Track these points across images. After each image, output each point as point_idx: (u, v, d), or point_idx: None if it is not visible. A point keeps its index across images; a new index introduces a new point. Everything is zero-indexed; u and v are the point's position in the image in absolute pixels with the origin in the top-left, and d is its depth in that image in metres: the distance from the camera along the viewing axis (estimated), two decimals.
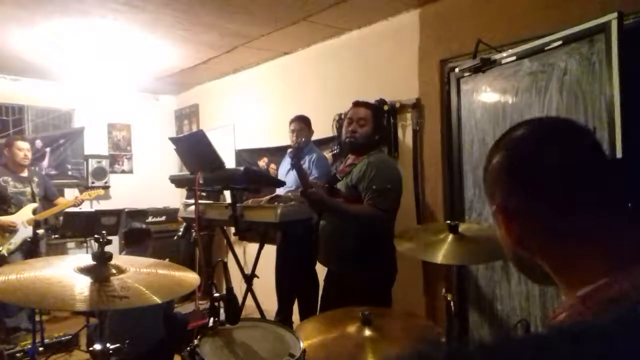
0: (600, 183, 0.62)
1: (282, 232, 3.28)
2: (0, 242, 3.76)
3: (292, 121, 3.58)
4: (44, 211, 4.05)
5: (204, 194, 3.13)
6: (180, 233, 3.15)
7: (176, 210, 4.97)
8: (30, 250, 3.74)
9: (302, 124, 3.53)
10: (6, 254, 3.74)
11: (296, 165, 2.44)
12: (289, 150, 3.56)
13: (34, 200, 3.99)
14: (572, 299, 0.64)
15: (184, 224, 3.17)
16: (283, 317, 3.33)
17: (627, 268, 0.58)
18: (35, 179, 4.10)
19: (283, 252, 3.47)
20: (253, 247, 3.67)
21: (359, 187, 2.32)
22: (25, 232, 3.84)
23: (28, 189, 4.00)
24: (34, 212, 3.94)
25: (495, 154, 0.68)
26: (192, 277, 1.44)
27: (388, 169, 2.38)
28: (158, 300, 1.23)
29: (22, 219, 3.87)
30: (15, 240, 3.82)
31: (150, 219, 5.26)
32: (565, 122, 0.71)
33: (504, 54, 2.38)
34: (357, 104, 2.52)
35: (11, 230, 3.80)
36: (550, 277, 0.68)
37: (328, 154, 3.60)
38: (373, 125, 2.44)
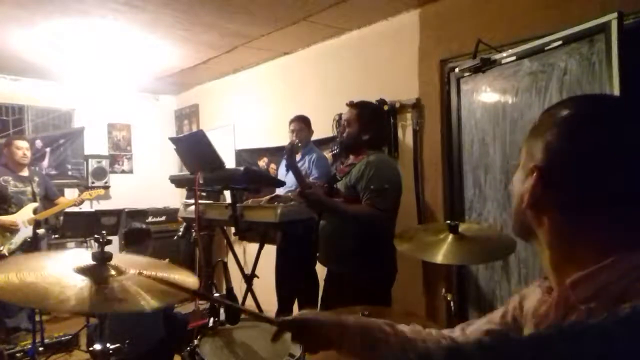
0: (622, 180, 0.64)
1: (282, 232, 3.27)
2: (1, 241, 3.77)
3: (291, 121, 3.58)
4: (45, 211, 4.05)
5: (204, 194, 3.13)
6: (180, 233, 3.15)
7: (176, 210, 4.96)
8: (31, 249, 3.74)
9: (302, 124, 3.53)
10: (7, 254, 3.74)
11: (291, 166, 2.43)
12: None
13: (34, 200, 4.00)
14: (558, 286, 0.67)
15: (184, 224, 3.17)
16: None
17: (620, 254, 0.60)
18: (36, 179, 4.10)
19: (283, 252, 3.47)
20: (253, 247, 3.67)
21: (358, 187, 2.31)
22: (26, 232, 3.84)
23: (29, 189, 4.00)
24: (35, 211, 3.95)
25: (547, 126, 0.70)
26: (190, 281, 1.43)
27: (387, 169, 2.37)
28: (156, 305, 1.23)
29: (23, 218, 3.87)
30: (16, 240, 3.83)
31: (150, 219, 5.26)
32: (618, 108, 0.71)
33: (504, 54, 2.38)
34: (349, 104, 2.54)
35: (12, 230, 3.80)
36: (531, 240, 0.73)
37: (328, 154, 3.60)
38: (358, 125, 2.42)
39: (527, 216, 0.71)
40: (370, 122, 2.44)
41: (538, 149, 0.69)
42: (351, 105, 2.52)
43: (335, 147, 2.72)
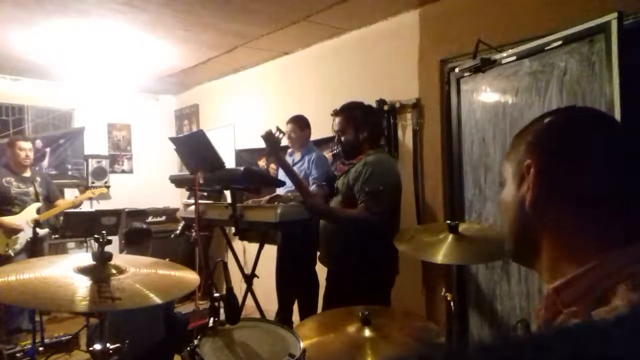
0: (618, 183, 0.66)
1: (282, 232, 3.27)
2: (7, 242, 3.77)
3: (287, 122, 3.56)
4: (47, 211, 4.06)
5: (204, 194, 3.13)
6: (177, 231, 3.14)
7: (176, 210, 4.96)
8: (34, 250, 3.74)
9: (293, 124, 3.48)
10: (12, 254, 3.75)
11: (289, 175, 2.43)
12: (289, 150, 3.56)
13: (37, 200, 4.00)
14: (548, 289, 0.68)
15: (182, 222, 3.16)
16: (283, 317, 3.33)
17: (606, 253, 0.62)
18: (38, 179, 4.10)
19: (283, 252, 3.47)
20: (253, 247, 3.66)
21: (355, 188, 2.31)
22: (30, 232, 3.84)
23: (31, 189, 4.00)
24: (38, 211, 3.95)
25: (531, 133, 0.73)
26: (191, 277, 1.43)
27: (383, 169, 2.34)
28: (158, 301, 1.23)
29: (27, 219, 3.87)
30: (21, 241, 3.84)
31: (150, 219, 5.25)
32: (604, 119, 0.74)
33: (504, 54, 2.38)
34: (333, 114, 2.53)
35: (17, 231, 3.80)
36: (531, 260, 0.73)
37: (328, 154, 3.60)
38: (353, 128, 2.41)
39: (529, 221, 0.71)
40: (363, 120, 2.43)
41: (526, 153, 0.72)
42: (337, 113, 2.51)
43: (336, 147, 2.72)
